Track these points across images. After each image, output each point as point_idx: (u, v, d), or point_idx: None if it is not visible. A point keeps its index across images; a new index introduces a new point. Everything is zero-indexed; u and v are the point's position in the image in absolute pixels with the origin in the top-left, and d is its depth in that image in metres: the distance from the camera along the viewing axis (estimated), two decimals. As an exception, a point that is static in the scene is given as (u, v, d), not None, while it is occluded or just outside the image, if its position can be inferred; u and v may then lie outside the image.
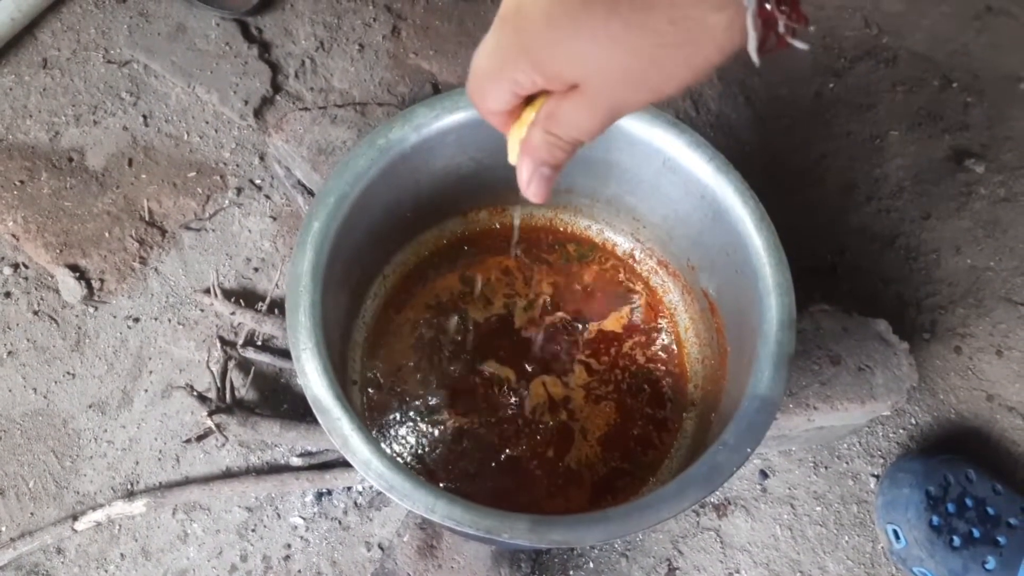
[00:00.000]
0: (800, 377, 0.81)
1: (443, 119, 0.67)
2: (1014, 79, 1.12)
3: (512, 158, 0.46)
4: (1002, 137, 1.08)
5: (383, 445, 0.73)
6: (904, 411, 0.94)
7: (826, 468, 0.91)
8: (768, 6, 0.34)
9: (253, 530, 0.85)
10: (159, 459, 0.88)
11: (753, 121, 1.08)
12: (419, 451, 0.74)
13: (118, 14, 1.08)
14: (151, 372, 0.91)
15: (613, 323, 0.80)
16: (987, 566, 0.80)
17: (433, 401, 0.75)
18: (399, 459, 0.72)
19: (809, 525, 0.88)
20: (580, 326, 0.79)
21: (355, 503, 0.86)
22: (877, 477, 0.90)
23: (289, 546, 0.85)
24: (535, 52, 0.38)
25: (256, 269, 0.96)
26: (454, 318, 0.79)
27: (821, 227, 1.02)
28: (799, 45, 0.36)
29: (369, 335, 0.78)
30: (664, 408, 0.77)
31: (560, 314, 0.80)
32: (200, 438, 0.86)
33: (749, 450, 0.58)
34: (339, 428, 0.56)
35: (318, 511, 0.86)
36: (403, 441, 0.74)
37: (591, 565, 0.86)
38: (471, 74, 0.42)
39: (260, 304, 0.92)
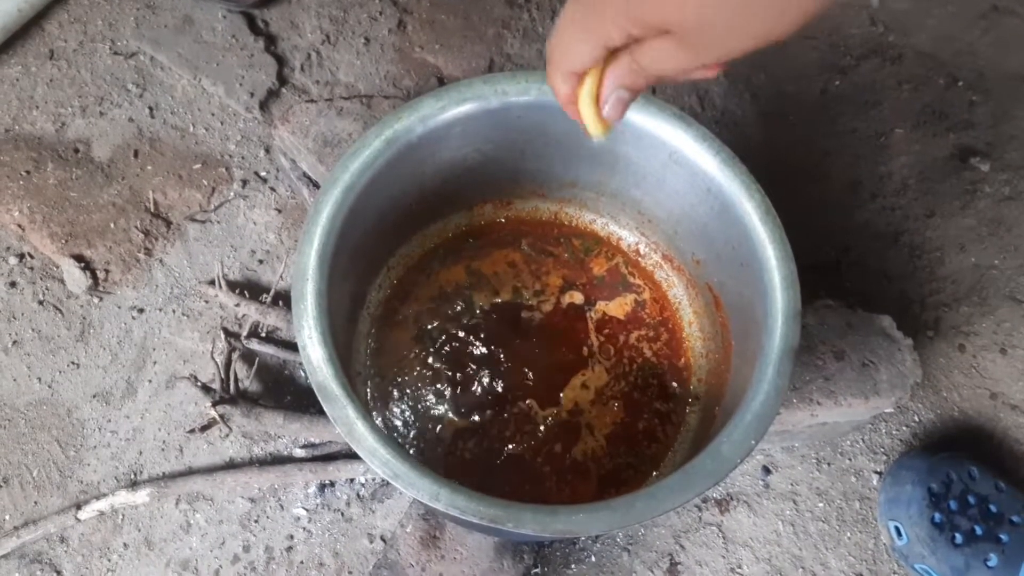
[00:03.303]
0: (804, 372, 0.81)
1: (450, 110, 0.67)
2: (1019, 78, 1.12)
3: (589, 124, 0.47)
4: (1007, 136, 1.08)
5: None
6: (907, 408, 0.94)
7: (829, 464, 0.91)
8: None
9: (256, 521, 0.86)
10: (163, 449, 0.88)
11: (758, 118, 1.08)
12: (423, 443, 0.74)
13: (125, 6, 1.08)
14: (155, 363, 0.92)
15: (617, 308, 0.80)
16: (989, 563, 0.80)
17: (438, 393, 0.75)
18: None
19: (811, 521, 0.88)
20: (587, 310, 0.79)
21: (358, 495, 0.87)
22: (880, 474, 0.90)
23: (292, 537, 0.85)
24: (629, 3, 0.38)
25: (261, 261, 0.96)
26: (460, 310, 0.79)
27: (825, 224, 1.02)
28: None
29: (374, 326, 0.78)
30: (668, 401, 0.77)
31: (567, 301, 0.80)
32: (204, 429, 0.86)
33: (753, 442, 0.58)
34: (345, 416, 0.56)
35: (321, 502, 0.86)
36: (407, 433, 0.74)
37: (593, 559, 0.86)
38: (556, 32, 0.43)
39: (264, 296, 0.92)
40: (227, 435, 0.88)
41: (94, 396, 0.90)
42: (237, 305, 0.91)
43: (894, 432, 0.93)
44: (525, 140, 0.72)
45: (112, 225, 0.96)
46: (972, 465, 0.85)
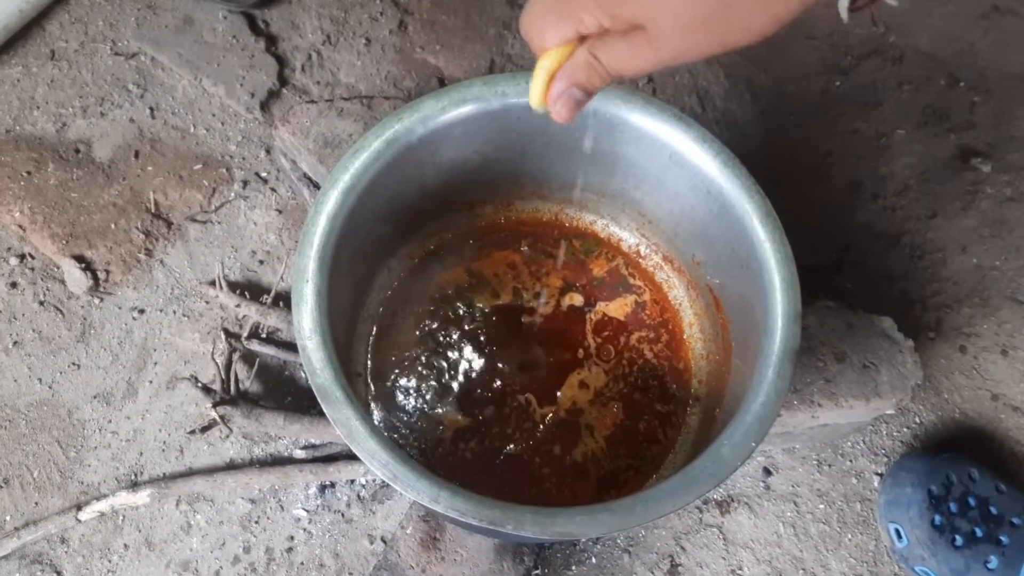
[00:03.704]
0: (805, 374, 0.80)
1: (450, 112, 0.67)
2: (1021, 78, 1.12)
3: (533, 94, 0.45)
4: (1008, 136, 1.08)
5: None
6: (908, 409, 0.94)
7: (830, 466, 0.91)
8: None
9: (256, 522, 0.86)
10: (163, 450, 0.88)
11: (759, 118, 1.08)
12: (424, 444, 0.74)
13: (126, 6, 1.08)
14: (156, 363, 0.92)
15: (618, 310, 0.80)
16: (989, 565, 0.80)
17: (438, 395, 0.75)
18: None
19: (812, 523, 0.88)
20: (587, 311, 0.79)
21: (358, 496, 0.86)
22: (881, 475, 0.90)
23: (292, 538, 0.85)
24: None
25: (261, 262, 0.96)
26: (460, 311, 0.79)
27: (826, 225, 1.02)
28: (890, 1, 0.35)
29: (375, 327, 0.78)
30: (668, 403, 0.77)
31: (567, 302, 0.80)
32: (204, 429, 0.86)
33: (754, 444, 0.58)
34: (344, 418, 0.56)
35: (321, 503, 0.86)
36: (407, 434, 0.74)
37: (593, 560, 0.86)
38: (530, 9, 0.42)
39: (265, 296, 0.92)
40: (227, 436, 0.88)
41: (95, 397, 0.90)
42: (238, 306, 0.91)
43: (895, 433, 0.93)
44: (525, 141, 0.72)
45: (113, 226, 0.96)
46: (972, 467, 0.85)
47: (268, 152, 1.02)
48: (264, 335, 0.92)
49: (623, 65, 0.40)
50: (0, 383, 0.91)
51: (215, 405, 0.82)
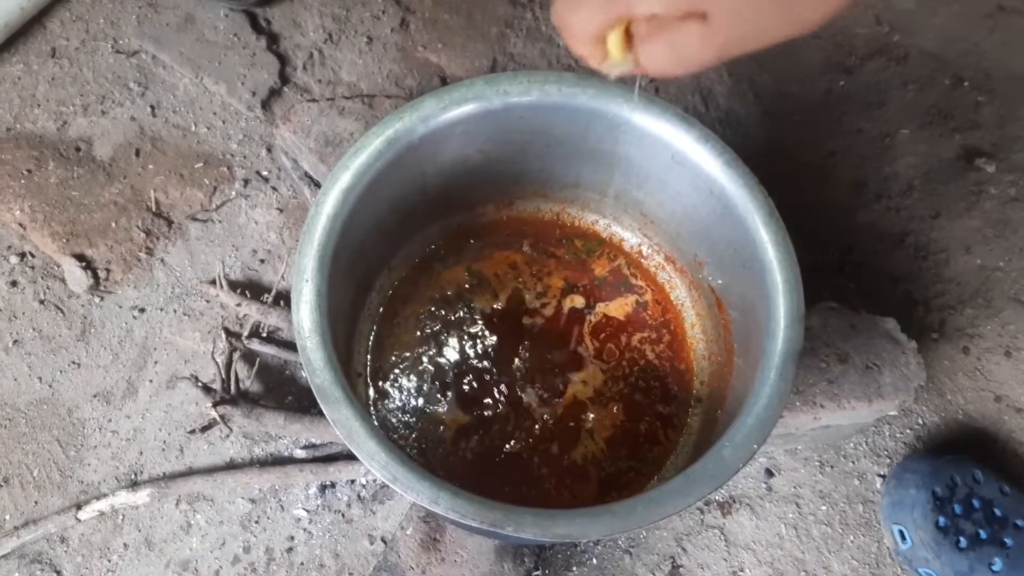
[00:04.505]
0: (807, 375, 0.80)
1: (451, 111, 0.66)
2: (1026, 78, 1.11)
3: (615, 53, 0.42)
4: (1013, 136, 1.07)
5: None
6: (911, 411, 0.93)
7: (832, 467, 0.90)
8: None
9: (256, 522, 0.85)
10: (163, 449, 0.88)
11: (762, 117, 1.08)
12: (424, 445, 0.74)
13: (127, 4, 1.08)
14: (156, 363, 0.91)
15: (619, 310, 0.79)
16: (993, 567, 0.80)
17: (439, 395, 0.75)
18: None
19: (814, 524, 0.88)
20: (587, 312, 0.79)
21: (359, 496, 0.86)
22: (883, 477, 0.90)
23: (292, 538, 0.85)
24: None
25: (262, 261, 0.96)
26: (461, 311, 0.79)
27: (830, 225, 1.02)
28: None
29: (375, 327, 0.77)
30: (670, 404, 0.76)
31: (568, 304, 0.79)
32: (204, 429, 0.86)
33: (755, 446, 0.57)
34: (344, 419, 0.56)
35: (321, 503, 0.86)
36: (408, 435, 0.74)
37: (594, 561, 0.85)
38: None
39: (266, 296, 0.92)
40: (228, 435, 0.88)
41: (95, 396, 0.90)
42: (238, 305, 0.91)
43: (898, 435, 0.92)
44: (527, 141, 0.72)
45: (113, 224, 0.96)
46: (976, 468, 0.84)
47: (269, 151, 1.01)
48: (265, 334, 0.92)
49: (675, 61, 0.37)
50: (0, 382, 0.90)
51: (215, 404, 0.82)
